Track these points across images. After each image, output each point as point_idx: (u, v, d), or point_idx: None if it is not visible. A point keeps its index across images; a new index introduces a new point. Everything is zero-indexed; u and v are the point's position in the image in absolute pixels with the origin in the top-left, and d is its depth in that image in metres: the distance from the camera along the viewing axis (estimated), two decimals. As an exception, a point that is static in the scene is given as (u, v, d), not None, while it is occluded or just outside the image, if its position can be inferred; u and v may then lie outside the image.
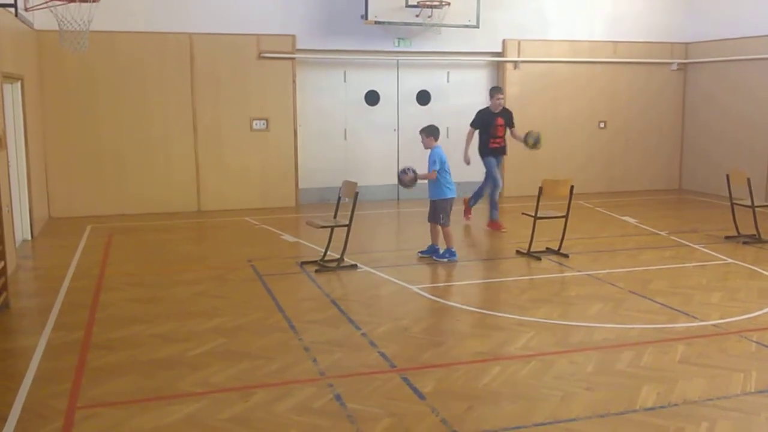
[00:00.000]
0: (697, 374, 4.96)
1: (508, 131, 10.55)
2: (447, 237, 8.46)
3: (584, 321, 6.23)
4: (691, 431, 4.12)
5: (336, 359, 5.29)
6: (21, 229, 9.42)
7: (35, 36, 10.85)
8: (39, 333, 5.87)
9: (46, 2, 8.55)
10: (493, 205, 10.46)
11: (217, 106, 12.09)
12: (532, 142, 10.05)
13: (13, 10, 8.61)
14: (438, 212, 8.43)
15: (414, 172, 8.26)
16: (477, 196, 10.86)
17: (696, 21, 14.31)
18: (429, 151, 8.46)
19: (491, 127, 10.39)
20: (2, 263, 6.58)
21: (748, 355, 5.40)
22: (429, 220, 8.61)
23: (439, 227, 8.48)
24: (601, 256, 8.66)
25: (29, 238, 9.73)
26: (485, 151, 10.49)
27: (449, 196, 8.40)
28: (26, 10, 9.53)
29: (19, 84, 9.51)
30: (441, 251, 8.50)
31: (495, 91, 10.56)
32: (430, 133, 8.49)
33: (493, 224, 10.47)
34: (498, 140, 10.46)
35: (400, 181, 8.33)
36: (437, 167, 8.25)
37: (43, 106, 11.18)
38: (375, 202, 12.73)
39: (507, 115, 10.53)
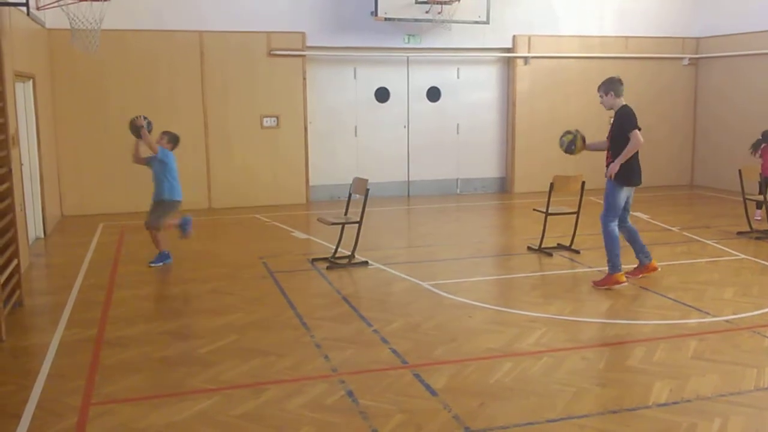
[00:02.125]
0: (709, 370, 4.94)
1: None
2: (162, 234, 8.33)
3: (596, 317, 6.22)
4: (704, 427, 4.10)
5: (348, 356, 5.29)
6: (34, 227, 9.48)
7: (47, 35, 10.91)
8: (52, 330, 5.92)
9: (58, 1, 8.58)
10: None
11: (228, 103, 12.12)
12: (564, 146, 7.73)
13: (25, 9, 8.64)
14: (166, 212, 8.29)
15: (146, 119, 8.05)
16: (635, 246, 7.46)
17: (707, 15, 14.22)
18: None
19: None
20: (16, 261, 6.61)
21: (761, 350, 5.37)
22: (150, 225, 8.29)
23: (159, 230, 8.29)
24: (613, 252, 8.62)
25: (42, 236, 9.79)
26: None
27: (180, 198, 8.42)
28: (38, 9, 9.57)
29: (30, 83, 9.57)
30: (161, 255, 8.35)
31: (601, 85, 7.46)
32: (176, 143, 8.58)
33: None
34: (608, 154, 7.73)
35: (133, 125, 8.05)
36: (167, 157, 8.24)
37: (55, 104, 11.24)
38: (386, 199, 12.73)
39: (616, 117, 7.64)
